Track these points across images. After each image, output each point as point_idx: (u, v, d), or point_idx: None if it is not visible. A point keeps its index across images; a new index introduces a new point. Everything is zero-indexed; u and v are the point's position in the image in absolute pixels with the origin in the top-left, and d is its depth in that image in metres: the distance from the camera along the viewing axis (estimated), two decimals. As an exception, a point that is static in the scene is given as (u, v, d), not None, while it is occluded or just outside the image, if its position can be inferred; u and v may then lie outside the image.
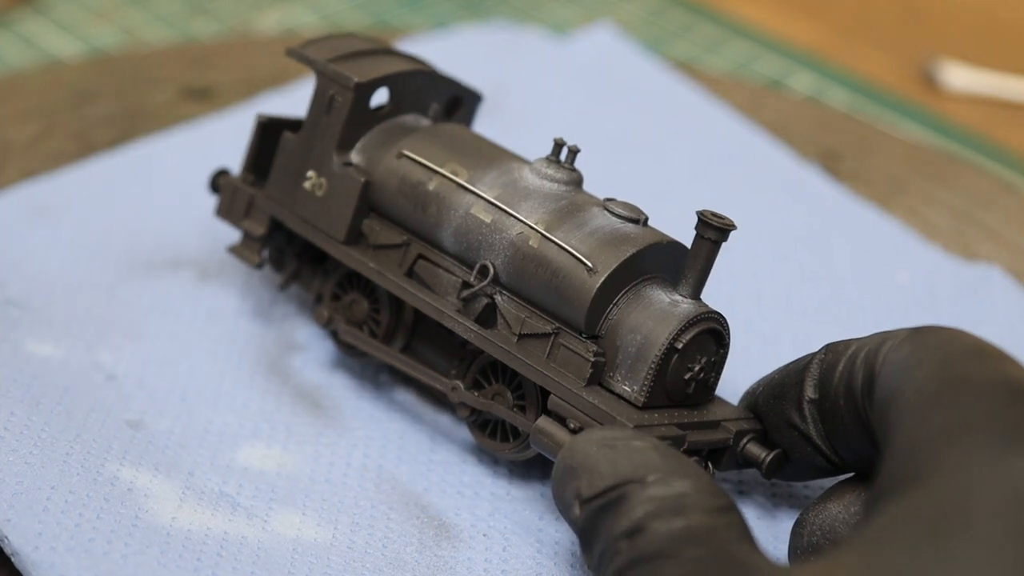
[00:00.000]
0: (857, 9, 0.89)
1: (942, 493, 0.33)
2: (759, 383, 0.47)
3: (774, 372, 0.47)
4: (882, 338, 0.41)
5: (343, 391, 0.53)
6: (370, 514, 0.48)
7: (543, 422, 0.45)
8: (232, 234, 0.58)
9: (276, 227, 0.53)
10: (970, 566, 0.31)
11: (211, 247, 0.59)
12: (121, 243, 0.59)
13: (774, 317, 0.58)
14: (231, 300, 0.57)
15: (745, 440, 0.46)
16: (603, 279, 0.45)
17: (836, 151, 0.70)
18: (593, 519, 0.38)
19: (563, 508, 0.40)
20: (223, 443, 0.50)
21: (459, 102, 0.55)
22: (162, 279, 0.57)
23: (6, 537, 0.44)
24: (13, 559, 0.44)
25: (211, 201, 0.59)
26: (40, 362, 0.52)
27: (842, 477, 0.46)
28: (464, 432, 0.52)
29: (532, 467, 0.50)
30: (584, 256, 0.46)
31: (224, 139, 0.65)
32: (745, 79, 0.78)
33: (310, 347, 0.55)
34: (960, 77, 0.80)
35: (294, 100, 0.67)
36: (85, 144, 0.65)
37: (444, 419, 0.52)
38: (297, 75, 0.70)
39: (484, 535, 0.48)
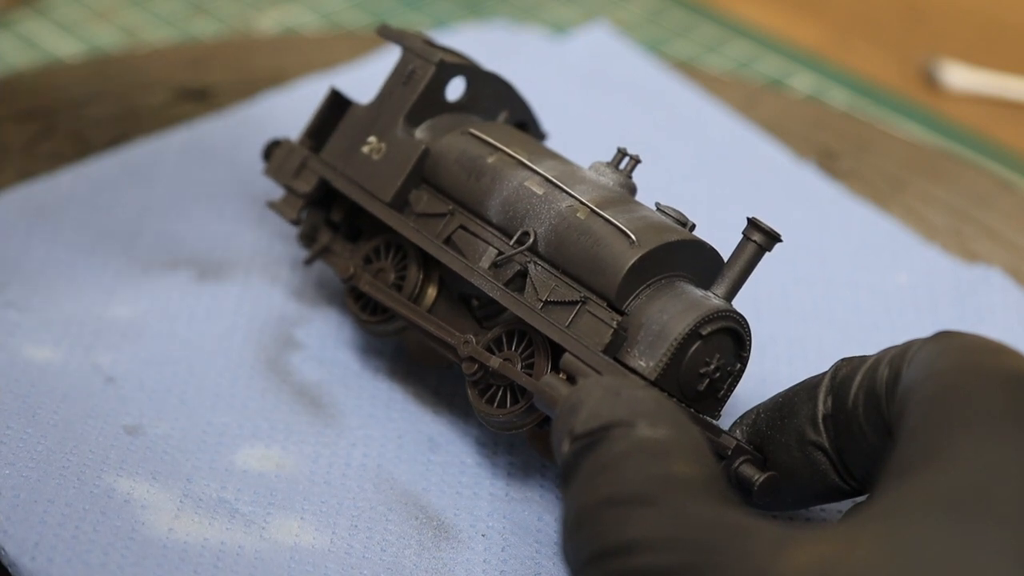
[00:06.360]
0: (857, 9, 0.89)
1: (961, 474, 0.33)
2: (756, 409, 0.46)
3: (776, 396, 0.46)
4: (908, 343, 0.41)
5: (342, 389, 0.53)
6: (368, 516, 0.48)
7: (551, 377, 0.45)
8: (227, 234, 0.58)
9: (320, 200, 0.54)
10: (997, 547, 0.31)
11: (209, 247, 0.59)
12: (120, 243, 0.59)
13: (771, 319, 0.57)
14: (229, 299, 0.57)
15: (741, 460, 0.45)
16: (643, 252, 0.46)
17: (833, 150, 0.69)
18: (578, 456, 0.38)
19: (556, 445, 0.40)
20: (222, 445, 0.50)
21: (525, 128, 0.55)
22: (161, 279, 0.57)
23: (3, 548, 0.44)
24: (10, 570, 0.44)
25: (209, 202, 0.59)
26: (38, 368, 0.52)
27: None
28: (463, 432, 0.52)
29: (531, 468, 0.50)
30: (630, 231, 0.46)
31: (222, 139, 0.65)
32: (743, 78, 0.78)
33: (309, 345, 0.55)
34: (960, 77, 0.80)
35: (293, 100, 0.67)
36: (83, 145, 0.65)
37: (443, 419, 0.52)
38: (296, 75, 0.70)
39: (483, 536, 0.48)
